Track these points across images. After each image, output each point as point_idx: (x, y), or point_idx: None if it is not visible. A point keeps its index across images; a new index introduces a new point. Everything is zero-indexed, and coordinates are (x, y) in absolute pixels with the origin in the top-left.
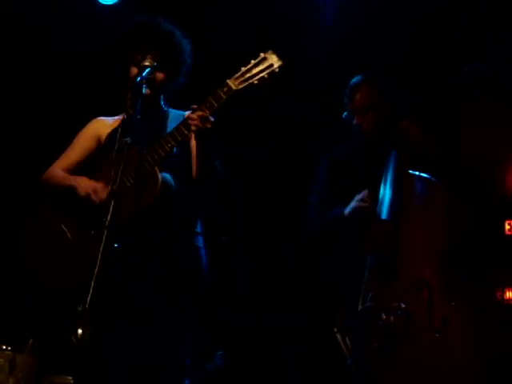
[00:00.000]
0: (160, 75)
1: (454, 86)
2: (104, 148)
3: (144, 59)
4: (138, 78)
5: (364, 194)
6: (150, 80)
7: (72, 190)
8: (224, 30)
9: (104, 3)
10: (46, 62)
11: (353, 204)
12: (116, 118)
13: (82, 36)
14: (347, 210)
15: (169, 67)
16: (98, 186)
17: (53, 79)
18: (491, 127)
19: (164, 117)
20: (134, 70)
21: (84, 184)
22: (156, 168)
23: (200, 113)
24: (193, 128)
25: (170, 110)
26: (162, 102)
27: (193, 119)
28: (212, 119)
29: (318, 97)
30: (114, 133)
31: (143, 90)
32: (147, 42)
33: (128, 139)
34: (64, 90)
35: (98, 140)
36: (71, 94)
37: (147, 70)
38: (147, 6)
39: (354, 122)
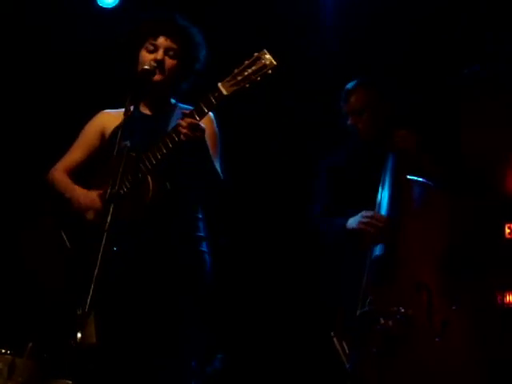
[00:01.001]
0: (170, 61)
1: (454, 87)
2: (107, 145)
3: (155, 45)
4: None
5: (374, 215)
6: (160, 64)
7: (69, 201)
8: (224, 31)
9: (103, 6)
10: (47, 61)
11: (360, 223)
12: (122, 110)
13: (82, 36)
14: (351, 225)
15: (181, 56)
16: (96, 201)
17: (53, 79)
18: (491, 128)
19: (170, 112)
20: (145, 56)
21: (82, 199)
22: (149, 177)
23: (189, 120)
24: (182, 137)
25: (179, 104)
26: (172, 98)
27: (183, 126)
28: (203, 126)
29: (318, 97)
30: (117, 129)
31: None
32: (161, 29)
33: (127, 143)
34: (65, 90)
35: (103, 135)
36: (72, 93)
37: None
38: (147, 9)
39: (349, 122)
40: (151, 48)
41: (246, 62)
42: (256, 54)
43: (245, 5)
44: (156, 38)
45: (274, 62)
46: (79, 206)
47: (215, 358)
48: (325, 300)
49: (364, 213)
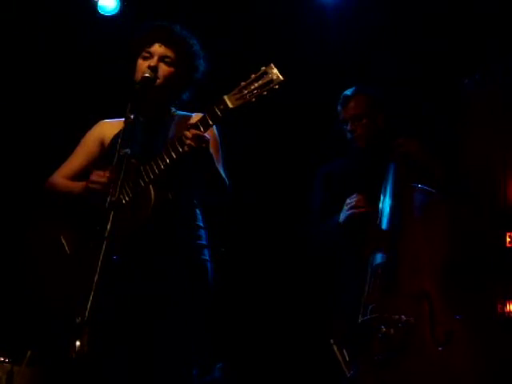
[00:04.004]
0: (166, 68)
1: (455, 96)
2: (107, 154)
3: (150, 52)
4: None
5: (356, 198)
6: (154, 71)
7: (71, 194)
8: (225, 45)
9: (104, 14)
10: (47, 69)
11: (346, 211)
12: (121, 119)
13: (83, 43)
14: (342, 218)
15: (177, 64)
16: (92, 177)
17: (53, 87)
18: (492, 138)
19: (169, 120)
20: (140, 64)
21: (80, 185)
22: (150, 186)
23: (194, 131)
24: (186, 148)
25: (178, 112)
26: (171, 106)
27: (188, 137)
28: (208, 138)
29: (318, 107)
30: (116, 137)
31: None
32: (156, 37)
33: (127, 150)
34: (65, 98)
35: (102, 144)
36: (73, 102)
37: None
38: (147, 16)
39: (348, 128)
40: (146, 55)
41: (253, 76)
42: (263, 68)
43: (248, 16)
44: (151, 45)
45: (281, 77)
46: (82, 186)
47: (215, 367)
48: (323, 309)
49: (348, 200)
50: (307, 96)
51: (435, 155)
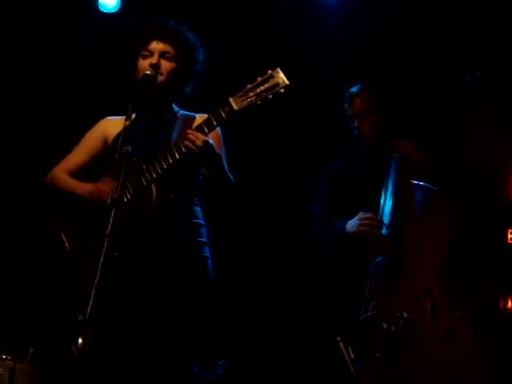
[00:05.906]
0: (168, 64)
1: (456, 94)
2: (110, 151)
3: (149, 50)
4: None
5: (372, 217)
6: (156, 68)
7: (74, 196)
8: (225, 45)
9: (105, 11)
10: (48, 67)
11: (358, 225)
12: (124, 117)
13: (84, 41)
14: (350, 229)
15: (178, 58)
16: (100, 186)
17: (55, 85)
18: (493, 135)
19: (172, 118)
20: (141, 63)
21: (85, 188)
22: (153, 186)
23: (198, 133)
24: (187, 150)
25: (181, 111)
26: (174, 104)
27: (190, 139)
28: (211, 141)
29: (320, 106)
30: (119, 135)
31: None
32: (152, 34)
33: (129, 148)
34: (67, 96)
35: (105, 141)
36: (74, 99)
37: None
38: (148, 14)
39: (355, 124)
40: (147, 54)
41: (259, 79)
42: (269, 71)
43: (249, 14)
44: (149, 43)
45: (287, 82)
46: (85, 193)
47: (218, 364)
48: (329, 306)
49: (362, 215)
50: (307, 96)
51: (433, 157)
